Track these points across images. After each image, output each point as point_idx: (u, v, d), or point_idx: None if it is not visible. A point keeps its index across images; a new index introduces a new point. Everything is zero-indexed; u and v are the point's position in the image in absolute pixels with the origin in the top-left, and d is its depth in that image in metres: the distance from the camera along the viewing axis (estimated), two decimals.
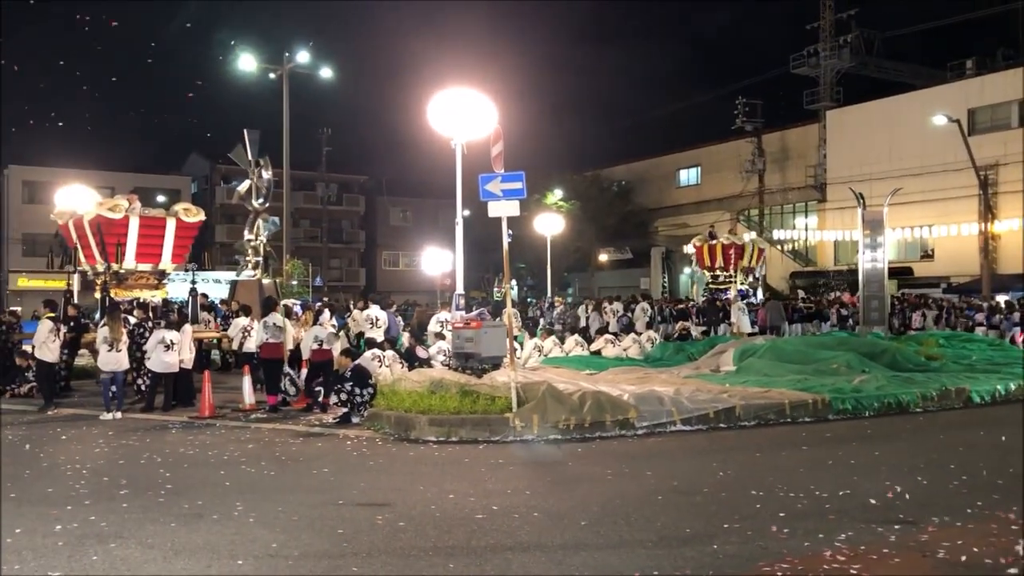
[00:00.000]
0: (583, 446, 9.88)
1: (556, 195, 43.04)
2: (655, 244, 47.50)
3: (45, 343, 13.43)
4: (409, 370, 13.44)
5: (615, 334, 19.80)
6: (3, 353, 15.30)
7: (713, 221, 38.06)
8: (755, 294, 27.03)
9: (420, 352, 15.49)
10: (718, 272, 26.79)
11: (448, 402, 10.82)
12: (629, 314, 22.82)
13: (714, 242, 26.83)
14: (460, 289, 15.80)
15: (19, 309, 25.22)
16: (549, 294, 28.72)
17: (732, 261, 26.37)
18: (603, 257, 48.82)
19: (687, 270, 43.86)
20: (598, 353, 17.91)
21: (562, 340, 18.36)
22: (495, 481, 8.03)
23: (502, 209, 11.26)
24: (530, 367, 15.45)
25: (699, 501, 7.14)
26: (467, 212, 15.71)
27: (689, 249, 28.21)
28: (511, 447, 9.85)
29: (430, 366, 14.34)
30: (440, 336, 15.80)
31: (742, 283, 26.40)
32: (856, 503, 6.97)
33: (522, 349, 17.04)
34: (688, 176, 49.14)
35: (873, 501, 6.99)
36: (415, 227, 54.21)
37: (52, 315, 14.13)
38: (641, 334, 19.46)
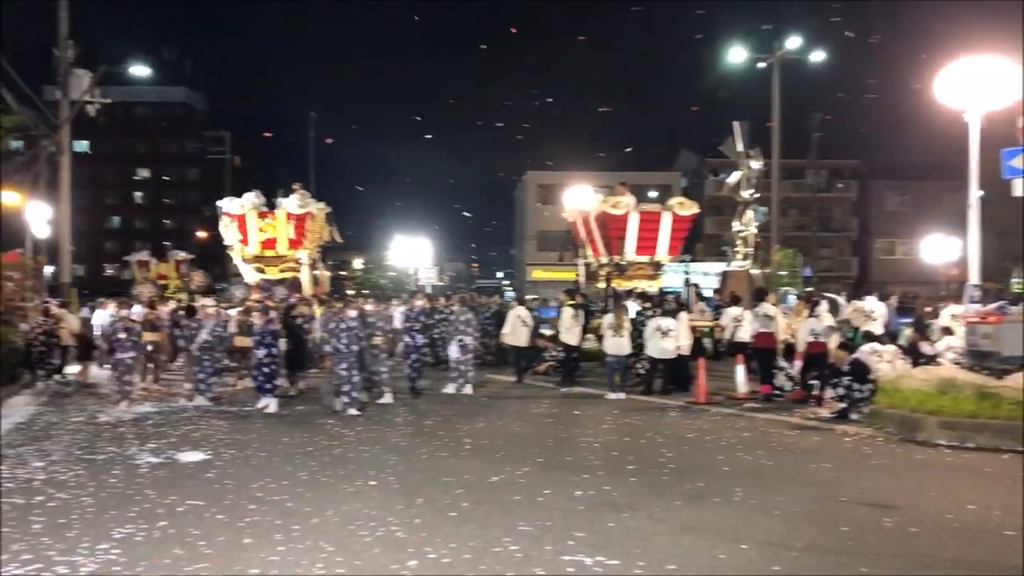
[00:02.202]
0: None
1: None
2: None
3: (569, 328, 15.03)
4: (913, 367, 12.42)
5: None
6: (534, 335, 17.19)
7: None
8: None
9: (925, 348, 14.22)
10: None
11: (962, 404, 9.76)
12: None
13: None
14: (974, 279, 14.14)
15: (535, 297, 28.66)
16: None
17: None
18: None
19: None
20: None
21: None
22: None
23: None
24: None
25: None
26: (980, 193, 13.96)
27: None
28: None
29: (936, 364, 13.08)
30: (948, 331, 14.33)
31: None
32: None
33: None
34: None
35: None
36: (914, 212, 49.92)
37: (573, 303, 15.74)
38: None
